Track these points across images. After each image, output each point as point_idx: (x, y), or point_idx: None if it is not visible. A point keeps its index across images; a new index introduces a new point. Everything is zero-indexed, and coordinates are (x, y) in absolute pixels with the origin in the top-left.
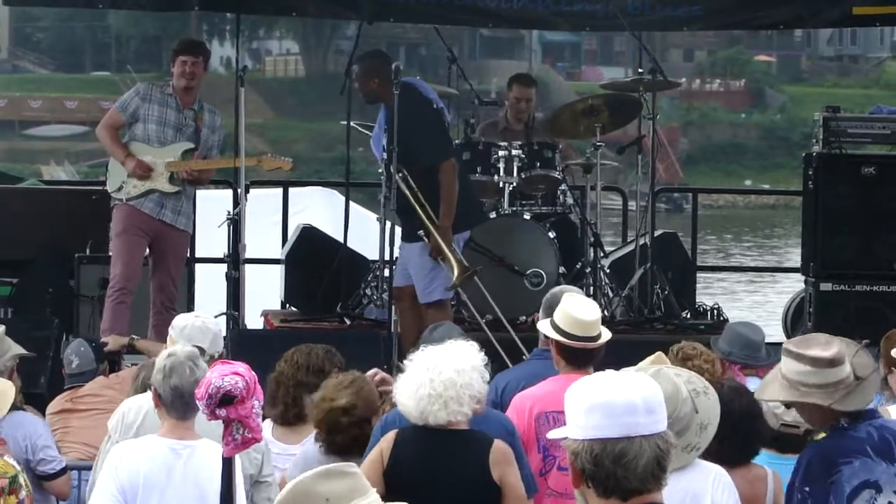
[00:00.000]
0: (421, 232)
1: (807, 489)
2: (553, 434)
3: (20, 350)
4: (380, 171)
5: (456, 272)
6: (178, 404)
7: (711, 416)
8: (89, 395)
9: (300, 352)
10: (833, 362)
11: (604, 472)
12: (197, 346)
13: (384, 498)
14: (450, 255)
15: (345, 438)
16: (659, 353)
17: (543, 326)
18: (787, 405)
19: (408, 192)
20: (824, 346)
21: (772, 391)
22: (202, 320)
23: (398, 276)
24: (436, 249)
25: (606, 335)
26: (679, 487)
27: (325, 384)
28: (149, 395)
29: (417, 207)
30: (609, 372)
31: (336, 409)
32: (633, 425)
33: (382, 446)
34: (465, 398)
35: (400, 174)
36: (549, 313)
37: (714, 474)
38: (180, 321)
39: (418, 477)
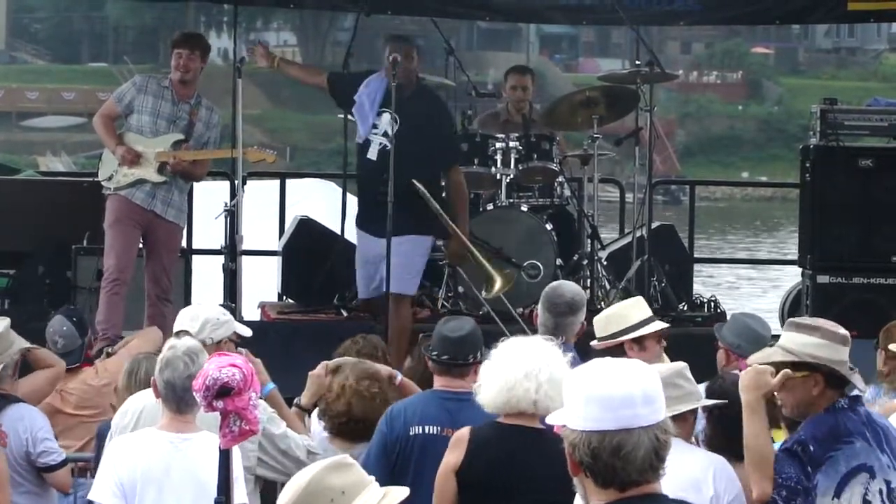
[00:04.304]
0: (440, 242)
1: (815, 444)
2: (551, 419)
3: (25, 344)
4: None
5: (499, 283)
6: (171, 398)
7: None
8: (76, 395)
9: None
10: (846, 340)
11: (601, 465)
12: (184, 331)
13: (460, 496)
14: (487, 265)
15: (372, 422)
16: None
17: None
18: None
19: (426, 193)
20: (835, 325)
21: (777, 357)
22: (199, 308)
23: (368, 286)
24: (458, 256)
25: (657, 324)
26: (680, 475)
27: (347, 370)
28: (144, 394)
29: (440, 210)
30: (608, 360)
31: (373, 394)
32: (632, 417)
33: (453, 454)
34: (556, 391)
35: (419, 190)
36: (544, 304)
37: (715, 465)
38: (182, 311)
39: (497, 474)
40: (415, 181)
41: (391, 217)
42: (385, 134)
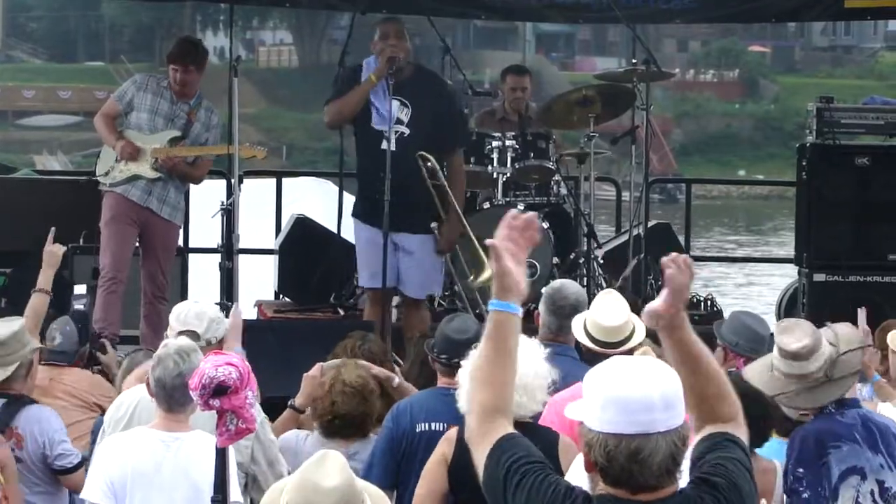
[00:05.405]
0: (434, 224)
1: (801, 470)
2: (570, 412)
3: (38, 343)
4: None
5: (488, 272)
6: (161, 396)
7: None
8: (67, 390)
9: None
10: (797, 356)
11: (617, 467)
12: (191, 330)
13: (452, 495)
14: (480, 251)
15: (361, 418)
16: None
17: (577, 325)
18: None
19: (443, 181)
20: (799, 337)
21: (752, 373)
22: (200, 306)
23: (376, 278)
24: (451, 242)
25: (640, 335)
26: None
27: (336, 367)
28: (140, 388)
29: (447, 190)
30: (628, 360)
31: (360, 387)
32: (650, 422)
33: (444, 446)
34: (537, 391)
35: (429, 163)
36: (548, 306)
37: None
38: (178, 308)
39: None
40: (423, 154)
41: (388, 215)
42: (399, 121)
